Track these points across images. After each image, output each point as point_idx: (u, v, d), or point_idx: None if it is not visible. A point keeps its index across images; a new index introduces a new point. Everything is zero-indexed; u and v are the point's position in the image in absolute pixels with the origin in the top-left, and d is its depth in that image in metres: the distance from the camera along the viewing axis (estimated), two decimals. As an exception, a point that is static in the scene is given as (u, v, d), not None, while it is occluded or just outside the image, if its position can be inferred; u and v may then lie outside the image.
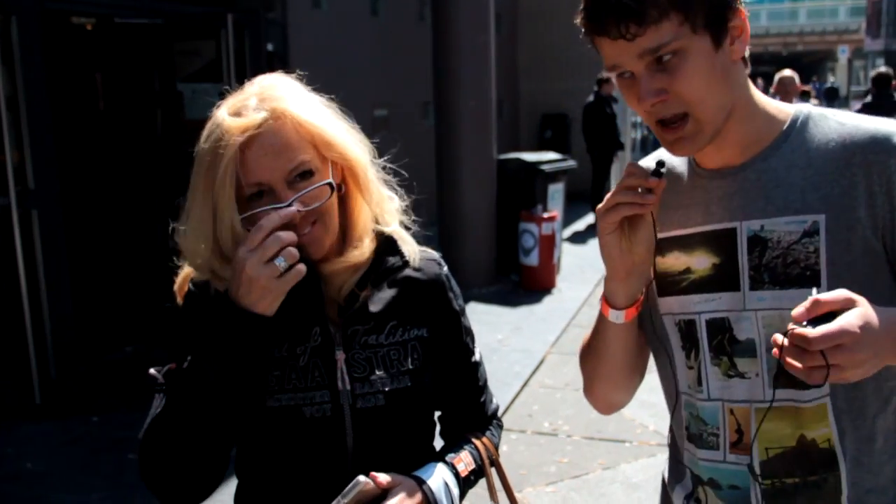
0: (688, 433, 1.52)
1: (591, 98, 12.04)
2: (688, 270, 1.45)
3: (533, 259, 8.17)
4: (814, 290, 1.17)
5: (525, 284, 8.25)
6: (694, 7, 1.27)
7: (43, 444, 4.82)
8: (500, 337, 6.76)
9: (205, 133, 1.41)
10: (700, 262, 1.44)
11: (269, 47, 7.60)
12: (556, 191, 8.64)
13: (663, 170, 1.37)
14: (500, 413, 1.77)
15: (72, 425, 5.05)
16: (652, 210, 1.39)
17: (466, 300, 1.72)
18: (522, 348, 6.51)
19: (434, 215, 7.98)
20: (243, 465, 1.56)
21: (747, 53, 1.38)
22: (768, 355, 1.36)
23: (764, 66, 44.28)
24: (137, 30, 7.20)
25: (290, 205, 1.36)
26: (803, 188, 1.36)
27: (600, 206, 1.41)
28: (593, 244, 10.88)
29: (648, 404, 4.97)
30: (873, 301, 1.18)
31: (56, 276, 5.19)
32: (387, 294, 1.55)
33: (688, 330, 1.46)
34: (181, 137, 6.97)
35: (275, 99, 1.41)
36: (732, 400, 1.42)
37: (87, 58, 7.43)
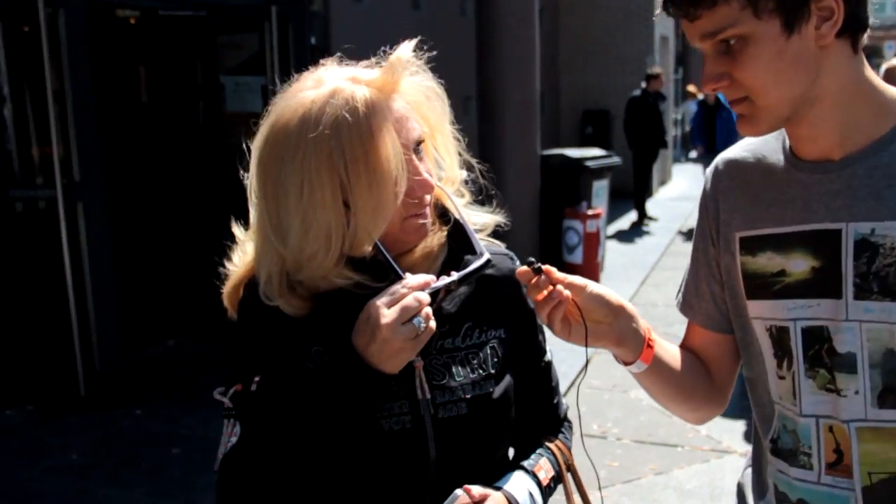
0: (774, 446, 1.40)
1: (636, 92, 11.86)
2: (782, 273, 1.33)
3: (577, 257, 8.05)
4: None
5: (568, 283, 8.10)
6: None
7: (87, 437, 4.80)
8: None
9: (299, 115, 1.26)
10: (797, 265, 1.31)
11: (312, 41, 7.54)
12: (601, 187, 8.51)
13: (536, 265, 1.32)
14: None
15: (115, 418, 5.04)
16: (570, 299, 1.33)
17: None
18: (568, 347, 6.30)
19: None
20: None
21: (865, 39, 1.26)
22: (871, 371, 1.24)
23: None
24: (181, 22, 7.17)
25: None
26: None
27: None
28: (638, 242, 10.74)
29: (700, 407, 4.83)
30: None
31: (101, 268, 5.17)
32: (460, 293, 1.44)
33: (780, 337, 1.34)
34: (222, 130, 6.94)
35: (366, 69, 1.34)
36: (830, 417, 1.29)
37: (131, 50, 7.42)
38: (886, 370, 1.24)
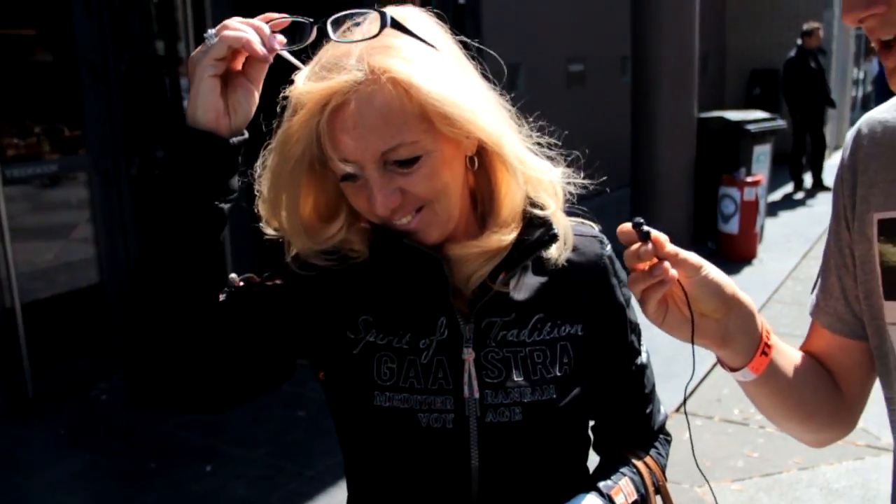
0: None
1: (792, 53, 10.92)
2: None
3: (733, 226, 7.56)
4: None
5: (723, 253, 7.63)
6: None
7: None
8: (691, 310, 6.26)
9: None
10: None
11: (461, 0, 7.37)
12: (762, 153, 7.93)
13: (644, 228, 1.02)
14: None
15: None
16: (674, 278, 1.04)
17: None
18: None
19: (627, 177, 7.55)
20: (353, 473, 1.33)
21: None
22: None
23: None
24: None
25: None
26: None
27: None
28: (801, 212, 10.04)
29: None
30: None
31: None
32: (533, 280, 1.24)
33: None
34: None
35: (382, 51, 1.08)
36: None
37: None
38: None
